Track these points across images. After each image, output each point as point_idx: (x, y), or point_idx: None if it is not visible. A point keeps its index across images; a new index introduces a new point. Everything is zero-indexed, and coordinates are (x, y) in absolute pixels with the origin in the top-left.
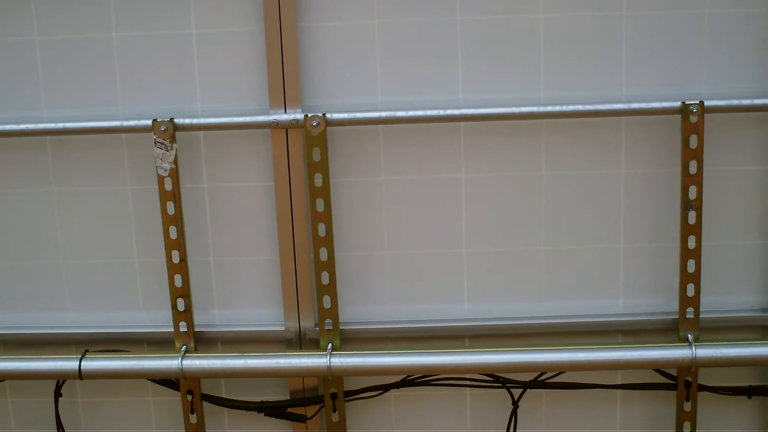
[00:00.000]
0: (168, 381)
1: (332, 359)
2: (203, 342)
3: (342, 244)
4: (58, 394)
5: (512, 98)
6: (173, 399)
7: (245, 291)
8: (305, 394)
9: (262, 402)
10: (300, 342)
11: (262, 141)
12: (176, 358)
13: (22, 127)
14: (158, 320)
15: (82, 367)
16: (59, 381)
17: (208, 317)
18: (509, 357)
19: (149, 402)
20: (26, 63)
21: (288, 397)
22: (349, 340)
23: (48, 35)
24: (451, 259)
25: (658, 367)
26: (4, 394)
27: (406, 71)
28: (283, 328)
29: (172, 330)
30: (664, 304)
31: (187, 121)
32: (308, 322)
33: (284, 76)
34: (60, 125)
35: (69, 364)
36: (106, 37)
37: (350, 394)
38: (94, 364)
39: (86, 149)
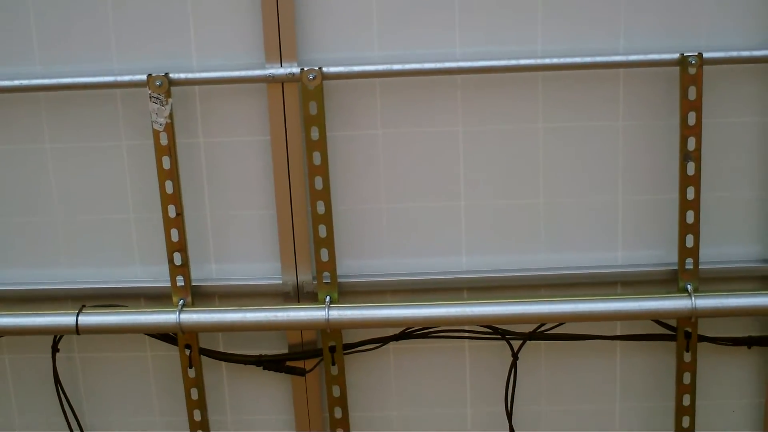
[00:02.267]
0: (165, 335)
1: (330, 312)
2: (200, 296)
3: (339, 197)
4: (55, 349)
5: (509, 51)
6: (171, 354)
7: (242, 245)
8: (303, 347)
9: (260, 356)
10: (297, 295)
11: (257, 95)
12: (174, 312)
13: (16, 83)
14: (154, 275)
15: (79, 322)
16: (56, 336)
17: (205, 271)
18: (508, 308)
19: (147, 357)
20: (19, 18)
21: (286, 351)
22: (347, 293)
23: None
24: (449, 212)
25: (658, 317)
26: (0, 351)
27: (403, 24)
28: (280, 282)
29: (168, 285)
30: (663, 255)
31: (182, 75)
32: (306, 276)
33: (280, 30)
34: (54, 81)
35: (66, 319)
36: None
37: (349, 347)
38: (91, 318)
39: (80, 105)
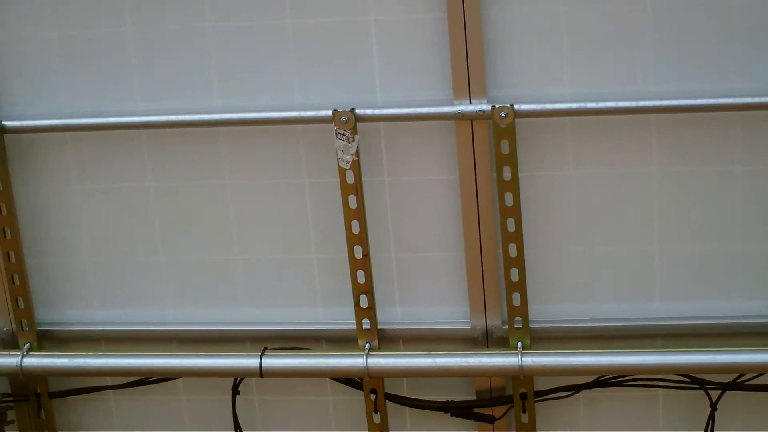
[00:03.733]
0: (350, 380)
1: (524, 358)
2: (384, 340)
3: (530, 240)
4: (235, 391)
5: (706, 89)
6: (353, 398)
7: (428, 288)
8: (492, 393)
9: (447, 402)
10: (486, 341)
11: (445, 132)
12: (361, 356)
13: (197, 117)
14: (337, 317)
15: (263, 365)
16: (236, 378)
17: (389, 314)
18: (708, 357)
19: (328, 401)
20: (199, 53)
21: (474, 397)
22: (537, 339)
23: (218, 22)
24: (643, 256)
25: None
26: (176, 392)
27: (593, 61)
28: (468, 326)
29: (352, 327)
30: None
31: (369, 111)
32: (495, 321)
33: (468, 65)
34: (236, 116)
35: (250, 361)
36: (280, 24)
37: (539, 395)
38: (275, 361)
39: (261, 141)
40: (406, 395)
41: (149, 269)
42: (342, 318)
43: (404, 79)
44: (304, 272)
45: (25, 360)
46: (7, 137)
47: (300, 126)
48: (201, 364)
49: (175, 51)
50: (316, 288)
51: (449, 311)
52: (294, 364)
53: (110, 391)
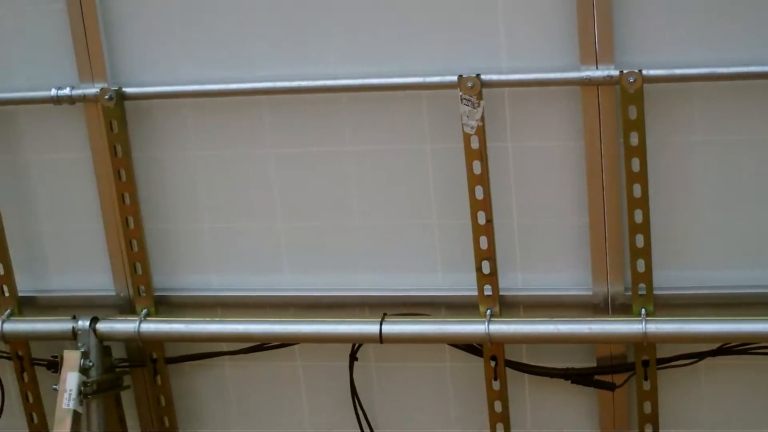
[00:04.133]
0: (470, 346)
1: (648, 325)
2: (504, 306)
3: (652, 205)
4: (353, 358)
5: None
6: (472, 365)
7: (549, 254)
8: (613, 361)
9: (567, 369)
10: (608, 307)
11: (569, 98)
12: (482, 322)
13: (318, 83)
14: (456, 283)
15: (383, 331)
16: (355, 345)
17: (510, 280)
18: None
19: (446, 368)
20: (319, 18)
21: (594, 364)
22: (661, 306)
23: None
24: None
25: None
26: (292, 358)
27: (723, 25)
28: (590, 293)
29: (472, 293)
30: None
31: (494, 77)
32: (618, 287)
33: (596, 30)
34: (359, 82)
35: (370, 327)
36: None
37: (661, 362)
38: (396, 327)
39: (383, 107)
40: (525, 362)
41: (266, 235)
42: (462, 284)
43: (529, 45)
44: (424, 238)
45: (142, 325)
46: (127, 104)
47: (424, 92)
48: (320, 330)
49: (296, 17)
50: (436, 254)
51: (570, 277)
52: (415, 330)
53: (225, 357)
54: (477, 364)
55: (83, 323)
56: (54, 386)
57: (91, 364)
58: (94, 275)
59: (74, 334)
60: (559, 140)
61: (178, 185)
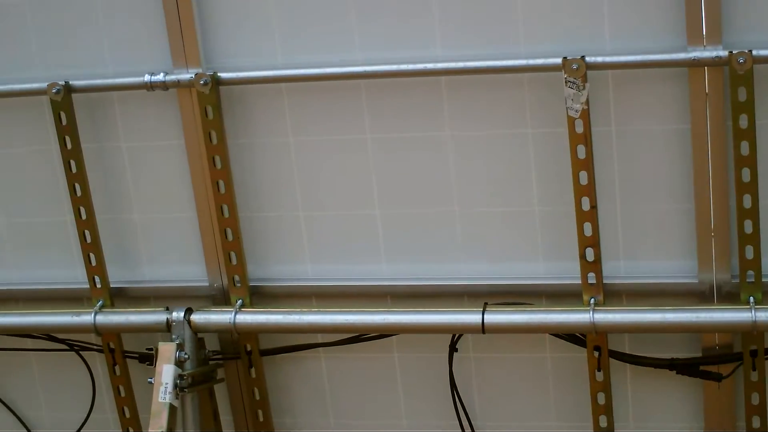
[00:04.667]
0: (572, 336)
1: (757, 314)
2: (607, 294)
3: (764, 191)
4: (453, 348)
5: None
6: (573, 355)
7: (653, 241)
8: (718, 351)
9: (672, 359)
10: (714, 296)
11: (675, 80)
12: (587, 311)
13: (419, 67)
14: (558, 272)
15: (485, 321)
16: (454, 335)
17: (612, 268)
18: None
19: (546, 358)
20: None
21: (698, 354)
22: (766, 294)
23: None
24: None
25: None
26: (390, 349)
27: None
28: (695, 281)
29: (574, 282)
30: None
31: (599, 59)
32: (724, 275)
33: (703, 9)
34: (461, 65)
35: (471, 317)
36: None
37: None
38: (498, 317)
39: (483, 90)
40: (628, 352)
41: (364, 223)
42: (564, 272)
43: (633, 25)
44: (525, 225)
45: (238, 316)
46: (222, 89)
47: (525, 75)
48: (420, 320)
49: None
50: (537, 241)
51: (675, 265)
52: (518, 320)
53: (320, 349)
54: (578, 354)
55: (178, 314)
56: (150, 379)
57: (186, 356)
58: (187, 265)
59: (168, 326)
60: (664, 124)
61: (272, 172)
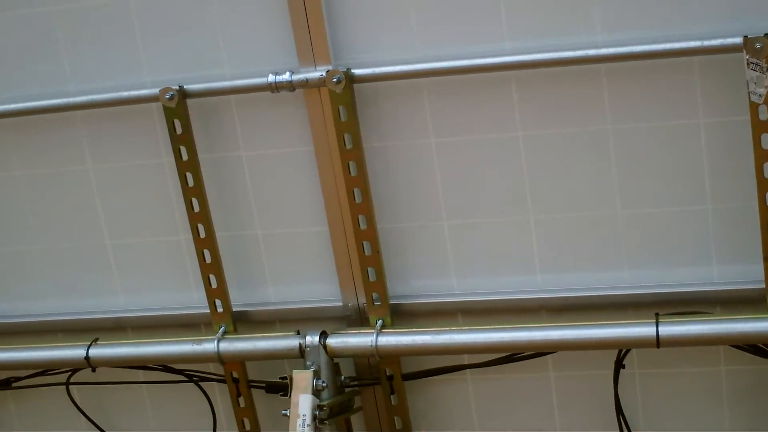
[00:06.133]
0: (754, 347)
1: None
2: None
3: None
4: (620, 365)
5: None
6: (750, 368)
7: None
8: None
9: None
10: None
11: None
12: None
13: (579, 54)
14: (735, 276)
15: (659, 333)
16: (621, 350)
17: None
18: None
19: (720, 372)
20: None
21: None
22: None
23: None
24: None
25: None
26: (545, 369)
27: None
28: None
29: (754, 287)
30: None
31: None
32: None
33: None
34: (625, 49)
35: (643, 329)
36: None
37: None
38: (674, 329)
39: (643, 78)
40: None
41: (516, 230)
42: (742, 277)
43: None
44: (696, 225)
45: (380, 338)
46: (356, 86)
47: (695, 58)
48: (586, 335)
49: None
50: (710, 243)
51: None
52: (696, 331)
53: (466, 370)
54: (759, 366)
55: (312, 338)
56: (284, 411)
57: (324, 384)
58: (317, 284)
59: (301, 352)
60: None
61: (411, 178)
